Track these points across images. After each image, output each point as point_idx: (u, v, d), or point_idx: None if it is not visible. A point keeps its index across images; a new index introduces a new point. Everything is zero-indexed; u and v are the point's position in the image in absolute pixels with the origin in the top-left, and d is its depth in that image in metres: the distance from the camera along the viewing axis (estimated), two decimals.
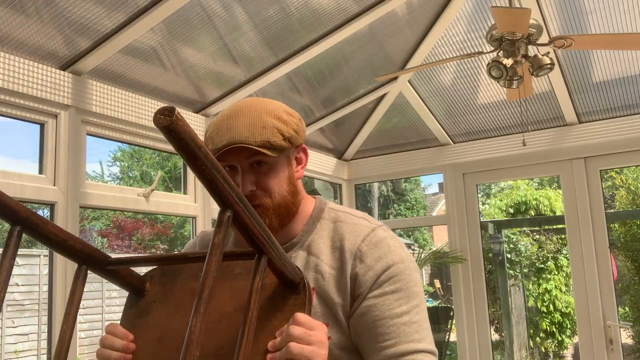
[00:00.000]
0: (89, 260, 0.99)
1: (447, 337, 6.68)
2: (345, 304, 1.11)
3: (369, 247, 1.12)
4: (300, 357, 0.90)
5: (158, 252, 11.10)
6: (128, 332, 1.04)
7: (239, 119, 1.10)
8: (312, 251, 1.16)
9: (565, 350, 7.42)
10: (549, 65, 2.56)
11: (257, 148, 1.07)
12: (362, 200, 12.00)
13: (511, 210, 7.90)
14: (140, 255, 1.16)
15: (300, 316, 0.93)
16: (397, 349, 1.07)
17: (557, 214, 7.65)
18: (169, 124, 0.68)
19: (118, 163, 13.27)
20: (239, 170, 1.10)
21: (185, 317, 1.02)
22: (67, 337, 0.91)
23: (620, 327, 3.83)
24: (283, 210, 1.13)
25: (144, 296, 1.08)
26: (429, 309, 8.51)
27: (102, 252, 1.04)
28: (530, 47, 2.64)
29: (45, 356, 3.29)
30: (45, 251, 7.76)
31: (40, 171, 2.40)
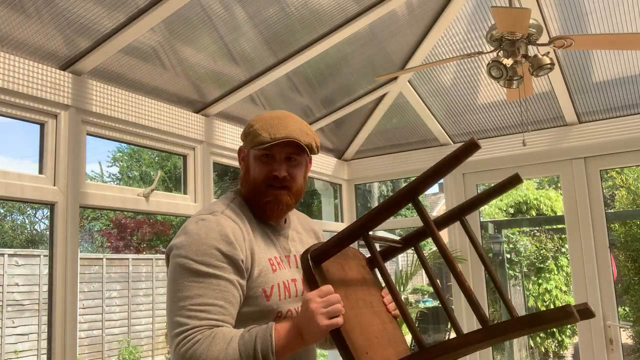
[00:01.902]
0: None
1: (447, 337, 6.69)
2: None
3: (318, 228, 1.79)
4: None
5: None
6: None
7: (290, 122, 1.51)
8: (298, 231, 1.67)
9: (565, 350, 7.42)
10: (549, 65, 2.56)
11: (304, 146, 1.49)
12: (362, 200, 12.00)
13: (511, 210, 7.90)
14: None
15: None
16: None
17: (558, 214, 7.65)
18: None
19: (117, 163, 13.27)
20: (276, 159, 1.50)
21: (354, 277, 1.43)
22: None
23: (620, 327, 3.83)
24: (297, 196, 1.56)
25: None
26: (429, 308, 8.51)
27: None
28: (530, 47, 2.64)
29: (45, 356, 3.29)
30: (45, 251, 7.77)
31: (40, 171, 2.40)
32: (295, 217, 1.71)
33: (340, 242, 1.27)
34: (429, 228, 1.22)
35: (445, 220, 1.52)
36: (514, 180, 1.45)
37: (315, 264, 1.27)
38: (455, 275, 1.18)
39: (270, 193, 1.50)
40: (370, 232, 1.32)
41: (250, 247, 1.43)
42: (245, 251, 1.41)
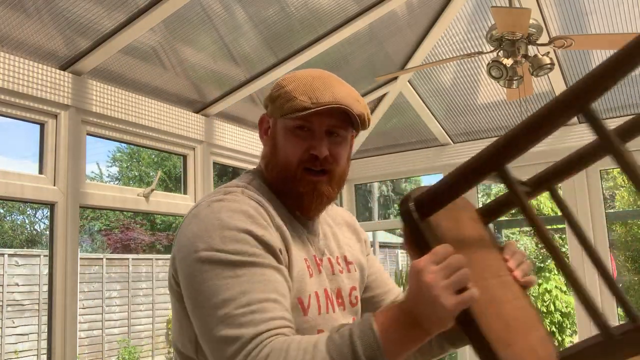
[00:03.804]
0: None
1: None
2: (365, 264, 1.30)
3: (354, 220, 1.39)
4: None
5: None
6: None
7: (336, 84, 1.13)
8: (329, 224, 1.27)
9: None
10: (549, 65, 2.56)
11: (356, 116, 1.10)
12: (362, 200, 12.01)
13: (512, 210, 7.90)
14: None
15: (513, 242, 1.13)
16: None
17: (559, 213, 7.65)
18: None
19: (117, 163, 13.28)
20: (316, 133, 1.10)
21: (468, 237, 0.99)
22: None
23: None
24: (341, 183, 1.17)
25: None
26: None
27: None
28: (530, 47, 2.64)
29: (45, 356, 3.29)
30: (45, 251, 7.76)
31: (40, 171, 2.40)
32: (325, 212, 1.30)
33: (462, 180, 0.85)
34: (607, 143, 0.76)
35: (534, 187, 1.01)
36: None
37: (422, 217, 0.86)
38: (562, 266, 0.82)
39: (308, 181, 1.10)
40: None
41: (284, 238, 1.06)
42: (280, 242, 1.05)
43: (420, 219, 0.86)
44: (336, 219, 1.30)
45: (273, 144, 1.14)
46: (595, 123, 0.78)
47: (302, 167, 1.10)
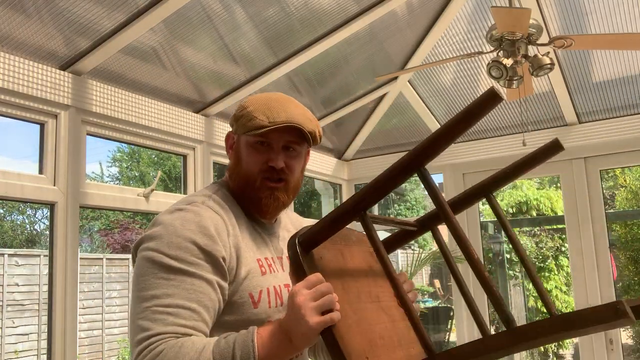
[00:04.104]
0: None
1: (447, 337, 6.69)
2: None
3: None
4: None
5: None
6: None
7: (291, 105, 1.30)
8: (288, 230, 1.45)
9: (565, 350, 7.42)
10: (549, 65, 2.56)
11: (307, 133, 1.28)
12: None
13: (512, 210, 7.90)
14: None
15: (404, 274, 1.31)
16: None
17: (558, 214, 7.65)
18: None
19: (117, 164, 13.28)
20: (273, 147, 1.29)
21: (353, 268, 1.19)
22: None
23: (620, 327, 3.83)
24: (294, 193, 1.36)
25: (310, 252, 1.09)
26: (429, 308, 8.52)
27: None
28: (530, 47, 2.64)
29: (45, 356, 3.28)
30: (45, 251, 7.76)
31: (40, 171, 2.40)
32: (286, 215, 1.50)
33: (333, 223, 1.04)
34: (442, 209, 0.94)
35: (464, 200, 1.23)
36: (554, 147, 1.16)
37: (304, 250, 1.05)
38: (476, 270, 0.93)
39: (266, 187, 1.28)
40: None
41: (236, 244, 1.22)
42: (229, 248, 1.20)
43: (302, 252, 1.04)
44: (296, 225, 1.49)
45: (237, 157, 1.33)
46: (428, 186, 0.98)
47: (261, 176, 1.29)
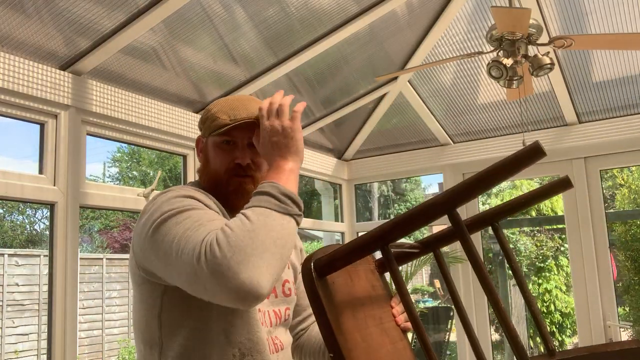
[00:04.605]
0: None
1: (447, 337, 6.68)
2: None
3: None
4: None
5: None
6: None
7: (252, 103, 1.32)
8: None
9: None
10: (549, 65, 2.56)
11: None
12: (362, 201, 12.00)
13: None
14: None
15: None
16: None
17: (559, 213, 7.66)
18: None
19: (117, 164, 13.27)
20: (238, 145, 1.30)
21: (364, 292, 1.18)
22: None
23: (620, 327, 3.83)
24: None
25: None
26: (429, 308, 8.52)
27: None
28: (530, 47, 2.64)
29: (45, 356, 3.28)
30: (45, 251, 7.77)
31: (40, 171, 2.40)
32: None
33: (351, 253, 1.03)
34: (462, 235, 0.94)
35: (476, 224, 1.25)
36: (564, 184, 1.19)
37: (319, 276, 1.03)
38: (491, 297, 0.92)
39: (234, 181, 1.29)
40: None
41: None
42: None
43: (317, 277, 1.02)
44: None
45: (205, 159, 1.36)
46: (453, 220, 0.96)
47: (228, 174, 1.30)
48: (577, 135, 3.84)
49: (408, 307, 0.98)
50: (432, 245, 1.27)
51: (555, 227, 7.65)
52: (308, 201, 11.47)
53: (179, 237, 1.06)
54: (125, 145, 12.05)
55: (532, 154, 0.83)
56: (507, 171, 0.87)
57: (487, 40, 2.66)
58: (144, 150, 12.06)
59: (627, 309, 6.61)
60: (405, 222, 0.96)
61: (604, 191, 3.94)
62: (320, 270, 1.03)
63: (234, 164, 1.30)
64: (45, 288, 5.24)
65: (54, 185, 2.39)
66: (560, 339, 7.31)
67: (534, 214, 7.85)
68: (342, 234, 4.60)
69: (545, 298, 7.32)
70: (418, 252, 1.31)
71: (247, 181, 1.30)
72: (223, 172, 1.30)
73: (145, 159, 13.03)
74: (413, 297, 10.44)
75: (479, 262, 0.94)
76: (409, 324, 1.26)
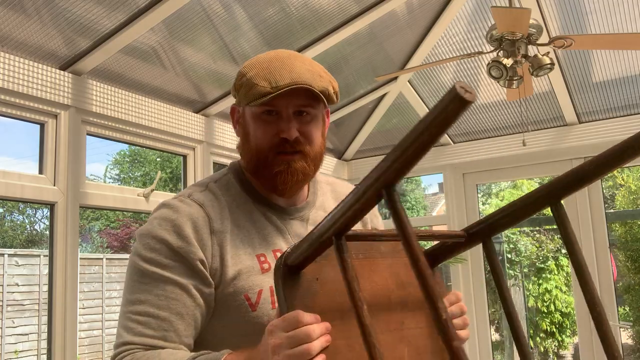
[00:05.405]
0: None
1: None
2: None
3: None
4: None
5: None
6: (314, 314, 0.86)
7: (296, 63, 1.10)
8: (326, 210, 1.20)
9: (565, 350, 7.42)
10: (549, 65, 2.56)
11: (319, 93, 1.08)
12: None
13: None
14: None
15: (458, 293, 1.06)
16: None
17: None
18: None
19: (118, 166, 13.28)
20: (283, 115, 1.09)
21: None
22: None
23: (620, 327, 3.83)
24: (317, 161, 1.15)
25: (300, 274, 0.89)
26: None
27: None
28: (530, 47, 2.64)
29: (45, 356, 3.28)
30: (45, 251, 7.77)
31: (40, 171, 2.40)
32: (329, 189, 1.27)
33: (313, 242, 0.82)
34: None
35: (467, 241, 0.98)
36: None
37: (291, 272, 0.86)
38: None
39: (280, 160, 1.10)
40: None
41: (220, 243, 1.07)
42: (211, 247, 1.06)
43: (283, 275, 0.85)
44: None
45: (244, 132, 1.15)
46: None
47: (274, 151, 1.10)
48: (577, 135, 3.84)
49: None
50: (481, 233, 0.95)
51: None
52: None
53: (125, 302, 1.06)
54: (127, 147, 12.06)
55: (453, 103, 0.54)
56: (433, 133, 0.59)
57: (487, 40, 2.66)
58: (144, 151, 12.06)
59: (627, 309, 6.61)
60: (352, 215, 0.77)
61: (604, 191, 3.94)
62: (291, 263, 0.85)
63: (279, 138, 1.09)
64: (45, 288, 5.24)
65: (54, 185, 2.39)
66: (560, 339, 7.30)
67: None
68: None
69: (545, 298, 7.32)
70: (463, 243, 0.99)
71: (295, 158, 1.10)
72: (267, 149, 1.10)
73: (148, 159, 13.03)
74: None
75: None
76: (459, 321, 1.03)
